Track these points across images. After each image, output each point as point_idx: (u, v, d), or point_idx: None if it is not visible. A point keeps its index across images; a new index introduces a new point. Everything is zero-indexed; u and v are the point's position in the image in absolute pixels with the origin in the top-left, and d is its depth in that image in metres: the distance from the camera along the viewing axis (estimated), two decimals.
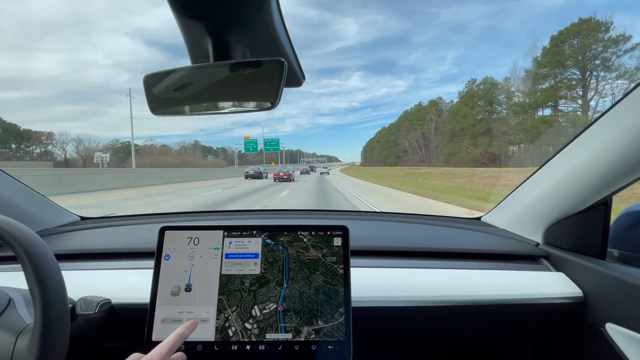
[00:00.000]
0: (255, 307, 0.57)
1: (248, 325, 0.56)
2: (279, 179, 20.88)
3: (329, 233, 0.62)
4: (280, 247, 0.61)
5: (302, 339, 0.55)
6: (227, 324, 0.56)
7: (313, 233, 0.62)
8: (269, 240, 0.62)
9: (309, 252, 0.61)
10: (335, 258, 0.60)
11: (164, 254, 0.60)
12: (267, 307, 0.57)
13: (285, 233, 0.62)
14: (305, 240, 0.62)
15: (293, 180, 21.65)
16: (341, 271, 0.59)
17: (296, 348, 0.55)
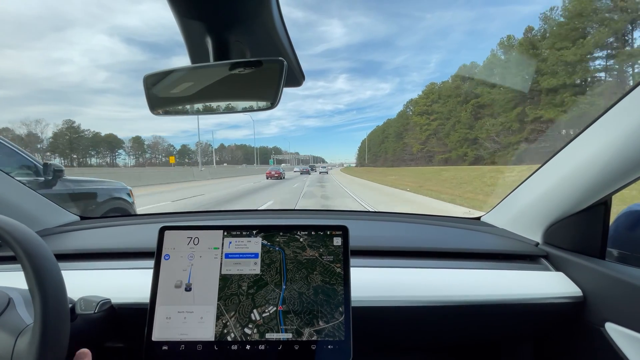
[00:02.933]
0: (255, 310, 0.56)
1: (248, 331, 0.55)
2: (270, 177, 24.79)
3: (328, 233, 0.62)
4: (277, 248, 0.61)
5: (303, 339, 0.55)
6: (225, 330, 0.55)
7: (313, 233, 0.62)
8: (265, 242, 0.61)
9: (305, 252, 0.60)
10: (332, 257, 0.60)
11: (163, 253, 0.59)
12: (266, 310, 0.56)
13: (281, 233, 0.62)
14: (301, 240, 0.61)
15: (284, 178, 25.39)
16: (339, 270, 0.59)
17: (296, 348, 0.55)
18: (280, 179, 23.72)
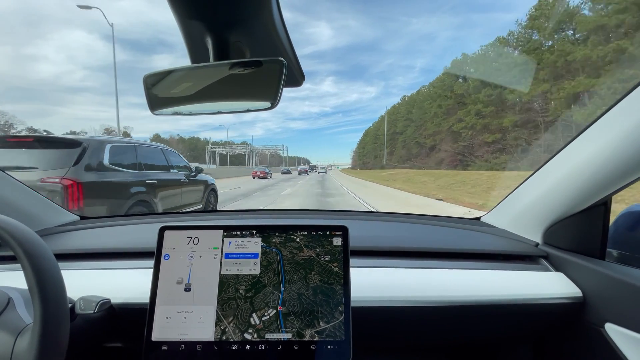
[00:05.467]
0: (254, 314, 0.56)
1: (248, 336, 0.55)
2: (256, 176, 26.85)
3: (328, 233, 0.62)
4: (274, 249, 0.60)
5: (303, 340, 0.55)
6: (224, 337, 0.54)
7: (313, 233, 0.62)
8: (263, 243, 0.61)
9: (302, 253, 0.60)
10: (329, 257, 0.60)
11: (163, 253, 0.59)
12: (266, 314, 0.56)
13: (277, 234, 0.61)
14: (297, 240, 0.61)
15: (270, 177, 27.59)
16: (336, 269, 0.59)
17: (296, 348, 0.55)
18: (266, 178, 26.10)
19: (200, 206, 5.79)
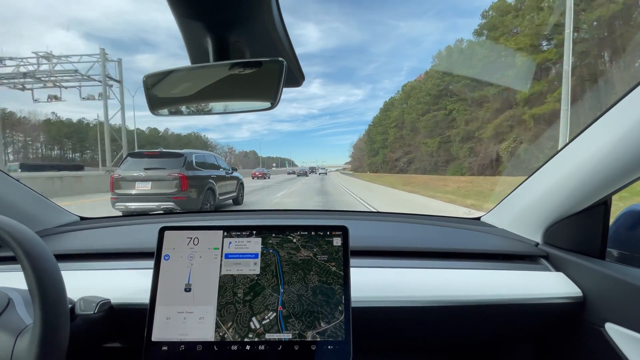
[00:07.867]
0: (253, 319, 0.55)
1: (248, 340, 0.54)
2: (255, 177, 27.98)
3: (328, 233, 0.62)
4: (271, 250, 0.60)
5: (303, 340, 0.55)
6: (224, 341, 0.54)
7: (313, 233, 0.62)
8: (261, 244, 0.60)
9: (300, 253, 0.60)
10: (326, 256, 0.60)
11: (163, 254, 0.59)
12: (266, 317, 0.55)
13: (274, 235, 0.61)
14: (295, 240, 0.61)
15: (269, 177, 28.84)
16: (334, 269, 0.59)
17: (296, 348, 0.55)
18: (265, 178, 27.28)
19: (234, 194, 8.05)
